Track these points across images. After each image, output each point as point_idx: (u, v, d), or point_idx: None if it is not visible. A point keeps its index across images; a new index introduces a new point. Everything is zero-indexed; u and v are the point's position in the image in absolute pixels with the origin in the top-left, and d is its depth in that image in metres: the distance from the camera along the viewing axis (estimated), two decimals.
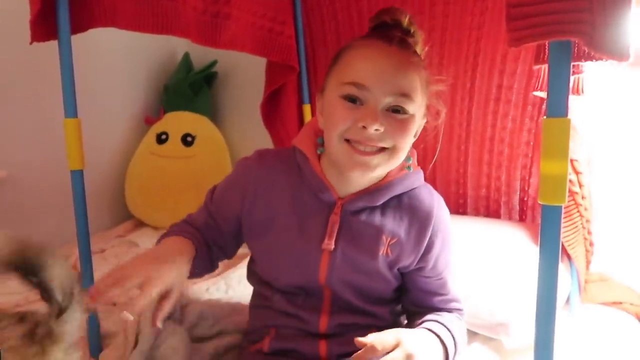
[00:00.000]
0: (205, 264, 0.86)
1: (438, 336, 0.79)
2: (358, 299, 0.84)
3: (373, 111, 0.72)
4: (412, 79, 0.74)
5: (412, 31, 0.80)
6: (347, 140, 0.74)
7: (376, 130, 0.72)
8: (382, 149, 0.74)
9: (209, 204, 0.89)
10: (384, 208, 0.82)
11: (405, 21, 0.79)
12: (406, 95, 0.73)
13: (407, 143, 0.77)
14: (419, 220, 0.82)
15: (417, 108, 0.76)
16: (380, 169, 0.76)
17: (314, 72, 1.66)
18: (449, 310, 0.87)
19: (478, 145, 1.50)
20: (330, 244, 0.80)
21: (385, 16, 0.80)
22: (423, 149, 1.30)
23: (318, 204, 0.82)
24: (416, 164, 0.87)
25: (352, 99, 0.74)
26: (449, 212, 0.87)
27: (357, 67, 0.74)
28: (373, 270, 0.82)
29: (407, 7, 1.43)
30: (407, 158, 0.83)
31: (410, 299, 0.89)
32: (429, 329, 0.80)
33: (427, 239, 0.82)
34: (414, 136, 0.81)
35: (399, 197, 0.82)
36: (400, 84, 0.73)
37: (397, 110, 0.74)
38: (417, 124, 0.79)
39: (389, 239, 0.81)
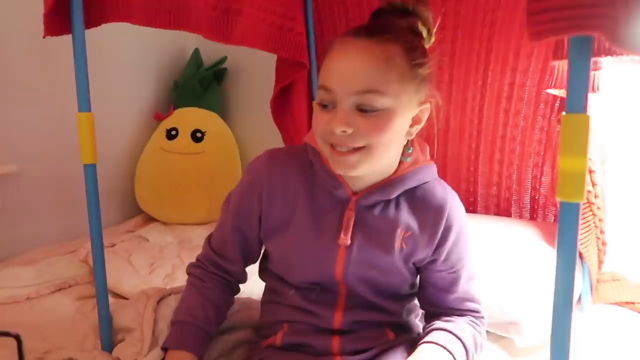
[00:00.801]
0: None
1: (450, 353, 0.78)
2: (373, 295, 0.84)
3: (340, 114, 0.71)
4: (378, 72, 0.70)
5: (410, 9, 0.77)
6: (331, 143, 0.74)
7: (343, 132, 0.71)
8: (358, 149, 0.73)
9: (231, 217, 0.87)
10: (397, 202, 0.82)
11: (399, 3, 0.77)
12: (372, 91, 0.70)
13: (384, 139, 0.72)
14: (432, 213, 0.81)
15: (392, 100, 0.71)
16: (364, 166, 0.74)
17: None
18: (463, 313, 0.86)
19: (489, 143, 1.49)
20: (346, 239, 0.79)
21: (381, 3, 0.78)
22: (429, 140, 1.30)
23: (332, 200, 0.82)
24: (428, 157, 0.86)
25: (324, 104, 0.74)
26: (464, 210, 0.86)
27: (326, 70, 0.74)
28: (389, 264, 0.82)
29: None
30: (407, 148, 0.81)
31: (426, 298, 0.88)
32: (439, 344, 0.78)
33: (441, 231, 0.81)
34: (417, 124, 0.78)
35: (412, 190, 0.82)
36: (362, 82, 0.70)
37: (364, 109, 0.71)
38: (401, 116, 0.73)
39: (403, 232, 0.81)
